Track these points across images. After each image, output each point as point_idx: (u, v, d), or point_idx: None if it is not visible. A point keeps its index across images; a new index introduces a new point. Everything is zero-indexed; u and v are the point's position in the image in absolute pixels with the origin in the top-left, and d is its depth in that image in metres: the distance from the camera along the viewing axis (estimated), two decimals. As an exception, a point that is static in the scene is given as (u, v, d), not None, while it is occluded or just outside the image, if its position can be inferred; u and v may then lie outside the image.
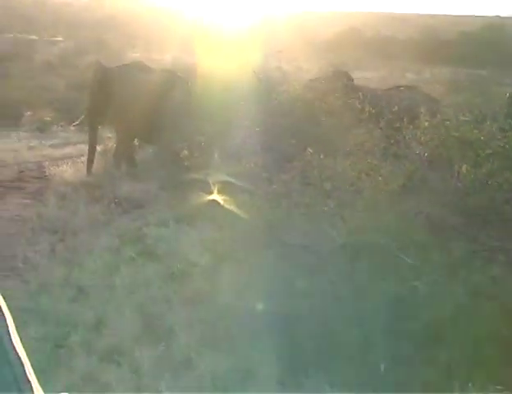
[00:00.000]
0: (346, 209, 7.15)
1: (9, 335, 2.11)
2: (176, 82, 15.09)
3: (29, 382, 1.90)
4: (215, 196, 9.49)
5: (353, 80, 14.78)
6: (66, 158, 17.62)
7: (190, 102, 14.59)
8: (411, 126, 8.87)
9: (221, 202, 8.91)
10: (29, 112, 27.76)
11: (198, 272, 7.93)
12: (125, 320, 7.63)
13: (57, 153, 17.87)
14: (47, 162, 17.36)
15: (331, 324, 6.33)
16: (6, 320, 2.17)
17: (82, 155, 17.02)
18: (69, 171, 16.57)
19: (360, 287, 6.71)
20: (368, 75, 24.45)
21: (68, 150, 18.26)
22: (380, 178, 7.31)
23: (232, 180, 9.20)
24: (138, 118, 14.79)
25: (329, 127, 9.89)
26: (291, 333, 6.14)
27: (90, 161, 16.32)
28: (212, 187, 9.80)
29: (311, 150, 7.98)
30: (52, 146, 17.37)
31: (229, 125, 10.48)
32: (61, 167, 17.08)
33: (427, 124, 8.55)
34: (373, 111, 9.55)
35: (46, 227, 12.10)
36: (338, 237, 7.00)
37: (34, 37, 56.29)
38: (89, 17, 67.40)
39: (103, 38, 50.49)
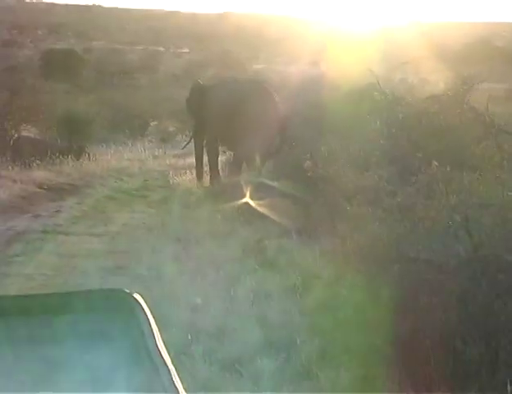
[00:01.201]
0: (473, 224, 6.94)
1: (154, 339, 2.14)
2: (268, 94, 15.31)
3: (175, 386, 1.91)
4: (337, 208, 9.42)
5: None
6: (189, 167, 17.95)
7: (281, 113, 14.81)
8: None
9: (343, 214, 8.82)
10: (154, 123, 28.50)
11: (319, 284, 7.90)
12: (246, 330, 7.66)
13: (181, 162, 18.26)
14: (170, 172, 17.75)
15: (455, 340, 6.16)
16: (150, 325, 2.20)
17: (205, 165, 17.38)
18: (192, 181, 16.89)
19: (486, 305, 6.50)
20: (496, 87, 23.84)
21: (191, 160, 18.57)
22: (510, 193, 7.07)
23: (354, 192, 9.11)
24: (236, 131, 15.10)
25: (456, 140, 9.68)
26: (412, 350, 6.03)
27: (200, 173, 16.80)
28: (334, 199, 9.73)
29: (436, 163, 7.82)
30: (175, 156, 17.77)
31: (353, 137, 10.42)
32: (184, 177, 17.43)
33: None
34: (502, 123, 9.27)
35: (170, 236, 12.32)
36: (463, 252, 6.81)
37: (161, 49, 57.78)
38: (215, 30, 68.60)
39: (228, 51, 51.26)
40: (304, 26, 57.95)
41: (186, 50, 59.16)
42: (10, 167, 17.16)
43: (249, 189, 13.60)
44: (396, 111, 9.94)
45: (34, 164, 17.58)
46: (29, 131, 21.30)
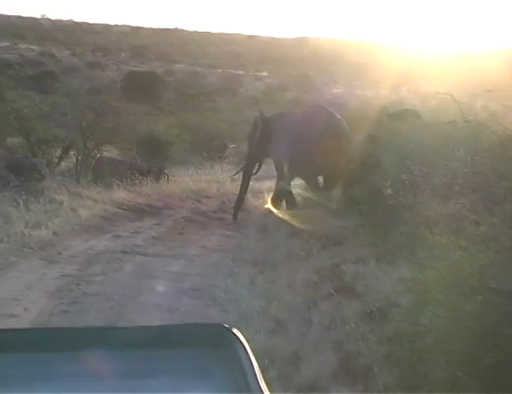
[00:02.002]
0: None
1: (255, 376, 2.11)
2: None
3: None
4: (417, 235, 9.28)
5: None
6: (267, 191, 17.96)
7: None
8: None
9: (423, 242, 8.68)
10: (232, 145, 28.64)
11: (398, 312, 7.76)
12: (321, 356, 7.59)
13: (258, 185, 18.27)
14: (248, 195, 17.77)
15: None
16: (251, 361, 2.17)
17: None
18: (269, 204, 16.89)
19: None
20: None
21: (268, 184, 18.62)
22: None
23: (436, 220, 8.97)
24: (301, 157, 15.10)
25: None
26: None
27: (240, 203, 16.82)
28: (415, 226, 9.59)
29: (522, 193, 7.65)
30: (252, 179, 17.77)
31: (435, 164, 10.27)
32: (261, 200, 17.45)
33: None
34: None
35: (246, 259, 12.35)
36: (548, 284, 6.62)
37: (240, 72, 58.26)
38: (294, 54, 68.88)
39: (307, 75, 51.36)
40: (382, 50, 57.70)
41: (265, 74, 59.50)
42: (91, 188, 17.46)
43: (323, 214, 13.55)
44: (480, 138, 9.76)
45: (115, 185, 17.85)
46: (110, 152, 21.66)
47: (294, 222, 13.92)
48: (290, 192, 16.26)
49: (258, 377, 2.13)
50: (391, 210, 10.36)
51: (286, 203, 16.10)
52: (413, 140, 11.40)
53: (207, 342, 2.34)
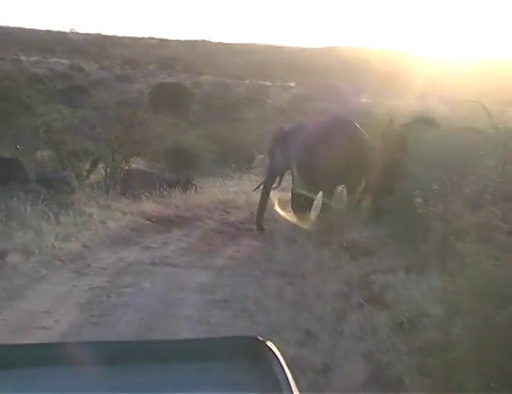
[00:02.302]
0: None
1: (290, 389, 2.10)
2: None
3: None
4: (447, 245, 9.22)
5: None
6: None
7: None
8: None
9: (454, 251, 8.62)
10: (260, 156, 28.64)
11: (428, 322, 7.71)
12: (352, 367, 7.55)
13: (287, 196, 18.22)
14: (275, 204, 17.75)
15: None
16: (285, 374, 2.16)
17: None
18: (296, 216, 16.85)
19: None
20: None
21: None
22: None
23: (466, 229, 8.90)
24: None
25: None
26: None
27: (260, 217, 16.82)
28: (445, 236, 9.54)
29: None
30: (281, 189, 17.79)
31: (465, 173, 10.19)
32: (290, 211, 17.42)
33: None
34: None
35: (275, 270, 12.33)
36: None
37: (268, 83, 58.27)
38: (321, 64, 68.85)
39: (334, 85, 51.24)
40: (410, 59, 57.50)
41: (292, 84, 59.48)
42: (120, 200, 17.54)
43: (351, 223, 13.49)
44: (510, 145, 9.66)
45: (143, 196, 17.92)
46: (138, 164, 21.76)
47: (321, 233, 13.88)
48: (310, 202, 16.32)
49: (294, 391, 2.12)
50: (421, 220, 10.28)
51: (297, 211, 16.19)
52: (442, 148, 11.33)
53: (241, 355, 2.33)
